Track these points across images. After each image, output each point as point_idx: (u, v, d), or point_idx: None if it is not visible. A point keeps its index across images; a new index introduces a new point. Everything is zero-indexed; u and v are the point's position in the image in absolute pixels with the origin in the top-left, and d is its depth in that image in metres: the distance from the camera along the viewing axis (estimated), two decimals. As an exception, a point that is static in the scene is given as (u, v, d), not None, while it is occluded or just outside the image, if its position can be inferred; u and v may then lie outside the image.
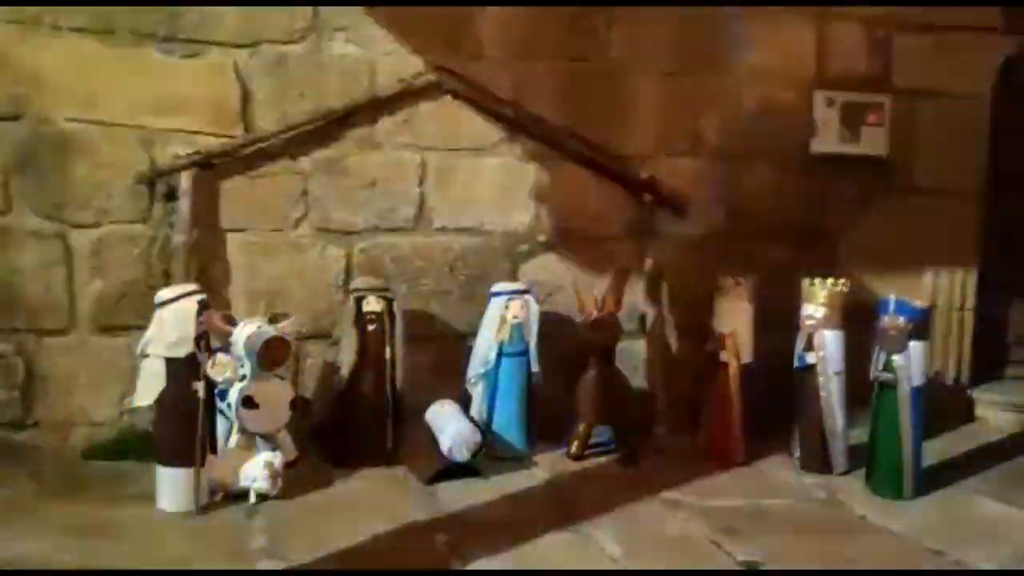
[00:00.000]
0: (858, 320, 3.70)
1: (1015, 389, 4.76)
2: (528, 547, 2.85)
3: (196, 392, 3.01)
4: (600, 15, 4.08)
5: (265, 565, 2.66)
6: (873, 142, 4.48)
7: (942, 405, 4.51)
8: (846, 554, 2.89)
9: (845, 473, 3.69)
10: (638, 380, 4.04)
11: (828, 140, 4.42)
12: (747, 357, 3.87)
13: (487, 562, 2.72)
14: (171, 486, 3.04)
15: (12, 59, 3.47)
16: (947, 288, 4.65)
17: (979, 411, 4.68)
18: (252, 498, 3.12)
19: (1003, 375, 4.96)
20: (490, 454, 3.64)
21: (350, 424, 3.65)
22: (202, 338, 3.04)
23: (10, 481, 3.29)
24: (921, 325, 3.45)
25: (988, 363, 4.92)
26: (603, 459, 3.82)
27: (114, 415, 3.64)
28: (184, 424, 3.01)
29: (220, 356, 3.08)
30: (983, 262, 4.74)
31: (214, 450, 3.18)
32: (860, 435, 3.69)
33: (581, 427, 3.81)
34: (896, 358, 3.40)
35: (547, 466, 3.70)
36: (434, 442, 3.56)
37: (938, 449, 4.07)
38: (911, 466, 3.44)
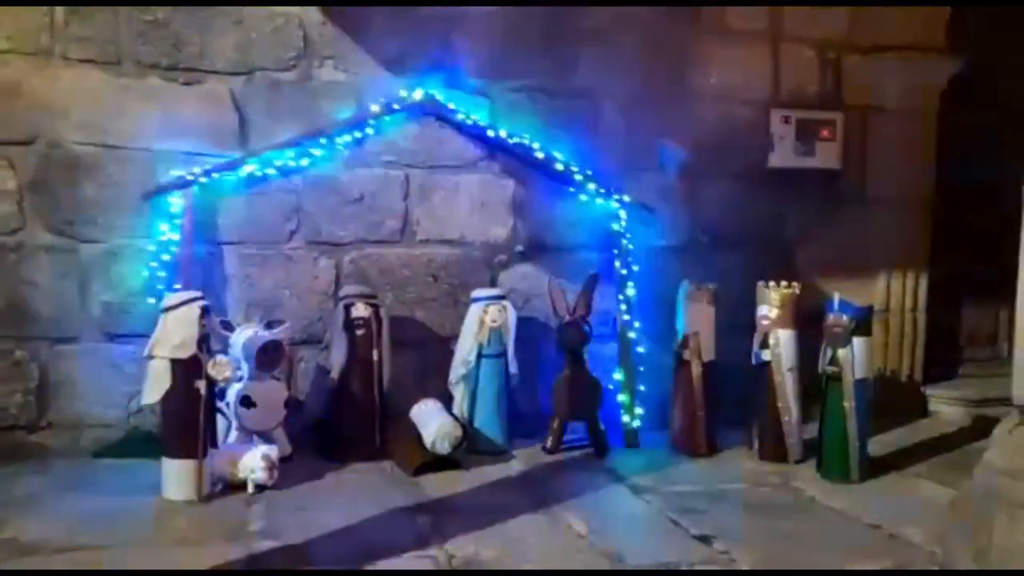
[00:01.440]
0: (814, 323, 3.99)
1: (966, 386, 5.07)
2: (502, 526, 3.13)
3: (199, 390, 3.30)
4: (570, 44, 4.39)
5: (263, 545, 2.93)
6: (827, 156, 4.82)
7: (896, 401, 4.86)
8: (792, 529, 3.18)
9: (800, 462, 3.98)
10: (609, 380, 4.32)
11: (784, 155, 4.75)
12: (709, 356, 4.17)
13: (465, 539, 2.99)
14: (176, 477, 3.31)
15: (27, 88, 3.76)
16: (899, 292, 4.97)
17: (932, 406, 4.99)
18: (250, 488, 3.40)
19: (956, 374, 5.27)
20: (471, 449, 3.92)
21: (341, 422, 3.93)
22: (204, 341, 3.32)
23: (27, 477, 3.56)
24: (863, 323, 3.75)
25: (942, 363, 5.24)
26: (576, 452, 4.11)
27: (121, 417, 3.91)
28: (188, 420, 3.30)
29: (220, 357, 3.37)
30: (935, 268, 5.05)
31: (215, 444, 3.46)
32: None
33: (555, 423, 4.11)
34: (841, 352, 3.71)
35: (523, 459, 3.99)
36: (418, 437, 3.83)
37: (891, 440, 4.39)
38: (857, 452, 3.73)
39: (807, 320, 3.99)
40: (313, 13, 4.05)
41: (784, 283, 4.05)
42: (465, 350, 4.07)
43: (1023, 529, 2.57)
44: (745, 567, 2.82)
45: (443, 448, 3.75)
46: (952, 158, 4.95)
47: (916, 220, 4.91)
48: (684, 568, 2.80)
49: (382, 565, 2.78)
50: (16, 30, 3.72)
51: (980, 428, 4.16)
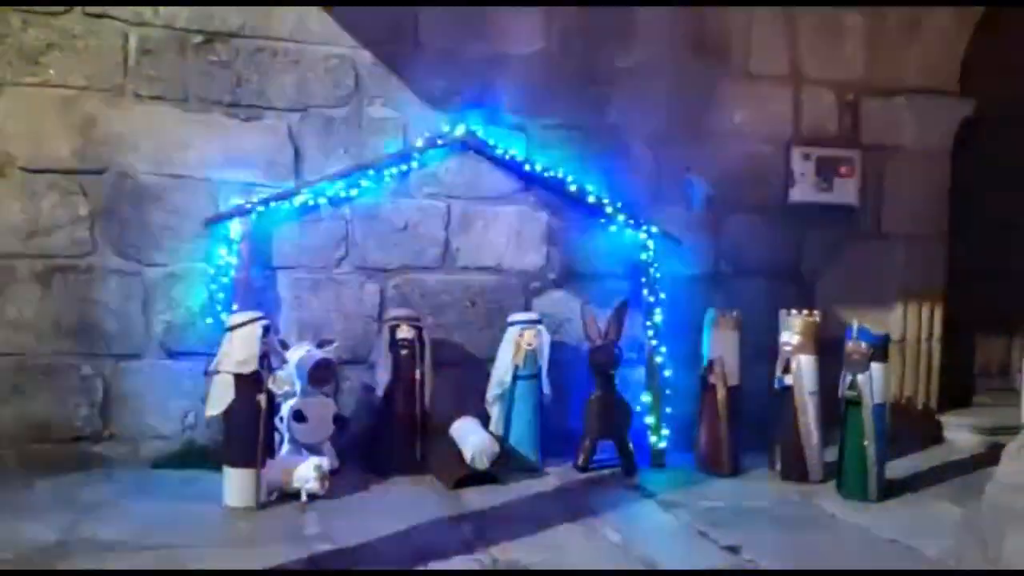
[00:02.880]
0: (833, 349, 4.19)
1: (980, 414, 5.25)
2: (542, 535, 3.34)
3: (260, 403, 3.55)
4: (602, 84, 4.67)
5: (319, 548, 3.15)
6: (845, 192, 5.05)
7: (912, 428, 5.04)
8: (814, 542, 3.38)
9: (821, 482, 4.17)
10: (637, 401, 4.54)
11: (805, 190, 4.99)
12: (734, 380, 4.38)
13: (508, 545, 3.20)
14: (236, 484, 3.55)
15: (100, 122, 4.05)
16: (915, 322, 5.17)
17: (947, 433, 5.17)
18: (304, 497, 3.62)
19: (970, 402, 5.45)
20: (506, 465, 4.14)
21: (384, 437, 4.16)
22: (265, 357, 3.57)
23: (92, 485, 3.79)
24: (880, 349, 3.96)
25: (958, 391, 5.43)
26: (606, 471, 4.32)
27: (177, 430, 4.15)
28: (248, 431, 3.54)
29: (280, 373, 3.62)
30: (951, 301, 5.26)
31: (273, 455, 3.69)
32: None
33: (586, 442, 4.32)
34: (859, 378, 3.92)
35: (556, 476, 4.20)
36: (458, 452, 4.06)
37: (907, 464, 4.57)
38: (875, 472, 3.93)
39: (827, 347, 4.21)
40: (365, 55, 4.34)
41: (806, 311, 4.27)
42: (502, 371, 4.30)
43: (1031, 539, 2.76)
44: (771, 569, 3.02)
45: (481, 463, 3.97)
46: (967, 195, 5.18)
47: (930, 254, 5.13)
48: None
49: (434, 568, 2.99)
50: (93, 69, 4.02)
51: (993, 454, 4.28)
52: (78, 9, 3.98)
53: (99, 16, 4.01)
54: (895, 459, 4.52)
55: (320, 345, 4.00)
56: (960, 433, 5.11)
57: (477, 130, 4.46)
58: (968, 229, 5.24)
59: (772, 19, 4.91)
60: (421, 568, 2.97)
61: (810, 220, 5.01)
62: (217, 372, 3.56)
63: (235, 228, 4.14)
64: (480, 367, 4.45)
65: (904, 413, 5.10)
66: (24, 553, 3.00)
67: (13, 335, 3.96)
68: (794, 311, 4.27)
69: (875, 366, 3.92)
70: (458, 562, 3.05)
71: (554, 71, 4.61)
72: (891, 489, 4.04)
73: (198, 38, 4.13)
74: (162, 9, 4.07)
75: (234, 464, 3.55)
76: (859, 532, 3.53)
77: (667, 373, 4.54)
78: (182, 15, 4.10)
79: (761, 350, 4.40)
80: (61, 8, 3.96)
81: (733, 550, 3.24)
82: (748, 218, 4.92)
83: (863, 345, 3.93)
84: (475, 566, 3.03)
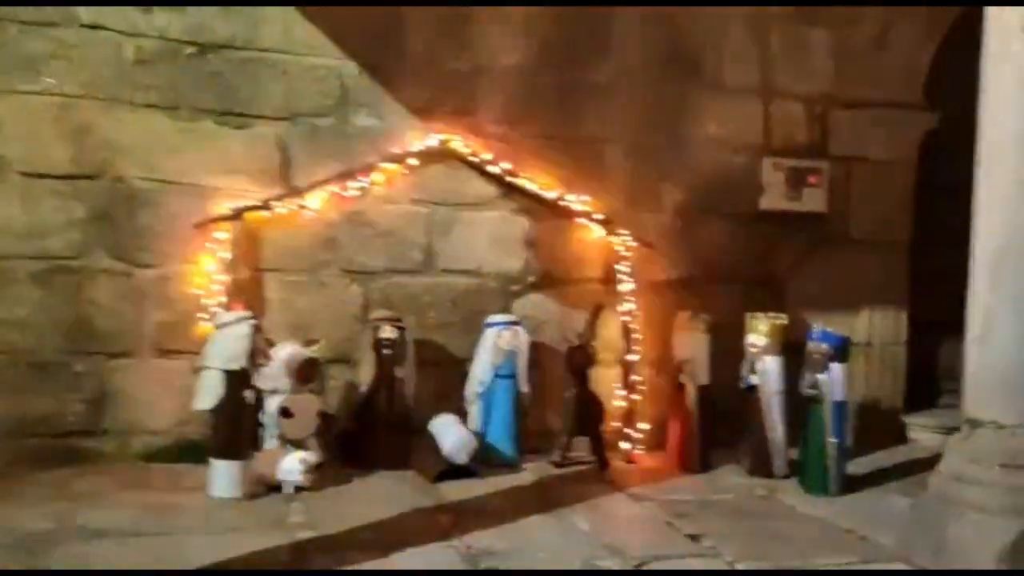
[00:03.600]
0: (801, 351, 4.37)
1: (943, 415, 5.42)
2: (514, 524, 3.51)
3: (247, 398, 3.71)
4: (579, 96, 4.86)
5: (303, 535, 3.31)
6: (814, 200, 5.24)
7: (877, 428, 5.23)
8: (773, 530, 3.56)
9: (786, 477, 4.36)
10: (611, 400, 4.71)
11: (775, 199, 5.19)
12: (703, 380, 4.56)
13: (482, 534, 3.37)
14: (223, 476, 3.71)
15: (95, 129, 4.21)
16: (881, 326, 5.37)
17: (911, 434, 5.36)
18: (289, 488, 3.78)
19: (934, 404, 5.64)
20: (484, 461, 4.29)
21: (367, 433, 4.32)
22: (253, 355, 3.74)
23: (86, 477, 3.94)
24: (840, 350, 4.16)
25: (923, 394, 5.62)
26: (581, 467, 4.48)
27: (169, 425, 4.30)
28: (236, 424, 3.71)
29: (267, 369, 3.79)
30: (916, 306, 5.45)
31: (258, 448, 3.85)
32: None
33: (563, 438, 4.49)
34: (820, 376, 4.11)
35: (533, 471, 4.36)
36: (438, 448, 4.22)
37: (869, 462, 4.76)
38: (835, 467, 4.11)
39: (796, 349, 4.39)
40: (351, 67, 4.52)
41: (772, 314, 4.46)
42: (480, 370, 4.47)
43: (970, 524, 2.95)
44: (728, 558, 3.20)
45: (460, 458, 4.14)
46: (932, 202, 5.38)
47: (895, 260, 5.33)
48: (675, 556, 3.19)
49: (410, 553, 3.15)
50: (89, 77, 4.18)
51: (952, 452, 4.53)
52: (75, 20, 4.14)
53: (95, 27, 4.18)
54: (859, 457, 4.74)
55: (306, 344, 4.16)
56: (923, 433, 5.30)
57: (459, 139, 4.64)
58: (934, 235, 5.43)
59: (743, 34, 5.11)
60: (397, 553, 3.13)
61: (780, 227, 5.20)
62: (206, 368, 3.72)
63: (225, 232, 4.30)
64: (460, 366, 4.61)
65: (870, 414, 5.30)
66: (19, 539, 3.15)
67: (10, 333, 4.10)
68: (760, 314, 4.45)
69: (835, 366, 4.12)
70: (433, 548, 3.21)
71: (533, 83, 4.78)
72: (852, 484, 4.23)
73: (190, 49, 4.29)
74: (156, 20, 4.24)
75: (221, 456, 3.71)
76: (817, 522, 3.72)
77: (641, 373, 4.73)
78: (175, 26, 4.27)
79: (732, 352, 4.57)
80: (60, 19, 4.12)
81: (695, 538, 3.42)
82: (720, 225, 5.10)
83: (824, 346, 4.12)
84: (450, 552, 3.19)
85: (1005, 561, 2.83)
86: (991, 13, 3.00)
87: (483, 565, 3.08)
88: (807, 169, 5.23)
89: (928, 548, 3.09)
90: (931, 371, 5.72)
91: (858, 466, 4.56)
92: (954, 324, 5.61)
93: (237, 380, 3.71)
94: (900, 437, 5.35)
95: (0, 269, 4.10)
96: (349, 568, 2.99)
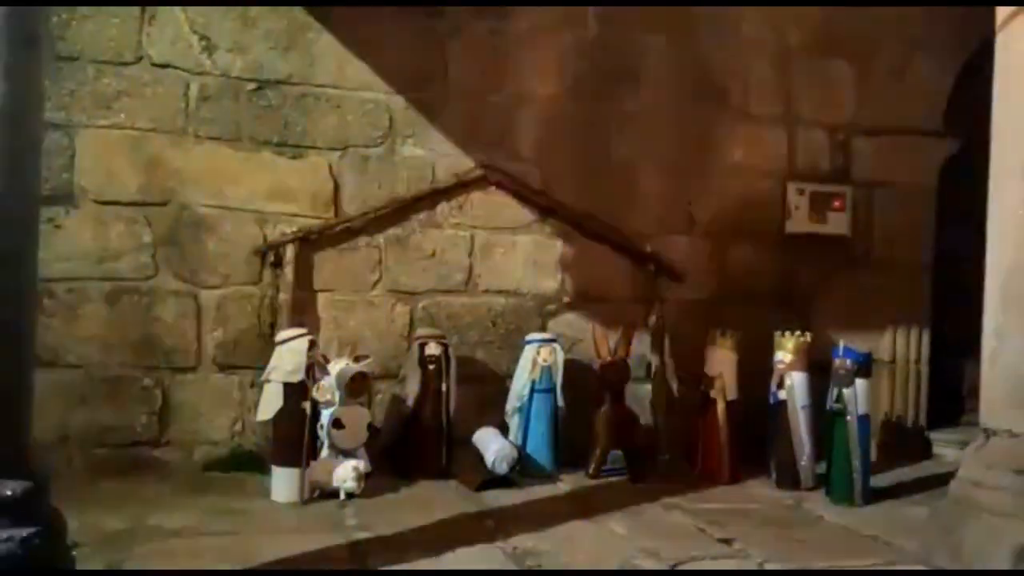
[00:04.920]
0: (826, 368, 4.57)
1: (966, 432, 5.57)
2: (555, 528, 3.73)
3: (305, 410, 3.99)
4: (611, 124, 5.13)
5: (359, 535, 3.56)
6: (837, 224, 5.46)
7: (902, 445, 5.41)
8: (800, 536, 3.76)
9: (812, 489, 4.54)
10: (645, 416, 4.94)
11: (800, 222, 5.42)
12: (732, 395, 4.78)
13: (525, 536, 3.59)
14: (283, 482, 3.97)
15: (163, 160, 4.54)
16: (904, 345, 5.55)
17: (935, 449, 5.52)
18: (342, 495, 4.04)
19: (959, 421, 5.80)
20: (523, 472, 4.53)
21: (413, 445, 4.57)
22: (310, 369, 4.02)
23: (152, 484, 4.23)
24: (864, 366, 4.35)
25: (947, 411, 5.79)
26: (615, 478, 4.70)
27: (228, 436, 4.59)
28: (295, 434, 3.98)
29: (323, 382, 4.06)
30: (940, 326, 5.64)
31: (315, 457, 4.12)
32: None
33: (597, 451, 4.71)
34: (845, 392, 4.31)
35: (569, 482, 4.59)
36: (480, 459, 4.47)
37: (894, 476, 4.92)
38: (860, 479, 4.29)
39: (822, 367, 4.59)
40: (398, 99, 4.83)
41: (798, 332, 4.67)
42: (520, 386, 4.71)
43: (986, 527, 3.14)
44: (759, 560, 3.40)
45: (501, 468, 4.38)
46: (954, 227, 5.56)
47: (917, 281, 5.52)
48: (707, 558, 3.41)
49: (461, 553, 3.38)
50: (157, 113, 4.51)
51: (974, 465, 4.69)
52: (146, 60, 4.49)
53: (164, 66, 4.52)
54: (885, 472, 4.91)
55: (356, 360, 4.43)
56: (948, 448, 5.45)
57: (497, 166, 4.92)
58: (958, 257, 5.60)
59: (767, 65, 5.37)
60: (448, 552, 3.37)
61: (805, 249, 5.42)
62: (268, 381, 4.00)
63: (281, 255, 4.61)
64: (500, 382, 4.87)
65: (895, 430, 5.48)
66: (101, 538, 3.42)
67: (83, 349, 4.41)
68: (787, 332, 4.67)
69: (859, 381, 4.31)
70: (481, 549, 3.44)
71: (568, 112, 5.07)
72: (876, 496, 4.41)
73: (251, 86, 4.62)
74: (220, 60, 4.57)
75: (282, 464, 3.98)
76: (843, 530, 3.91)
77: (673, 389, 4.96)
78: (237, 65, 4.60)
79: (760, 368, 4.78)
80: (132, 59, 4.47)
81: (726, 542, 3.63)
82: (747, 247, 5.34)
83: (848, 362, 4.32)
84: (496, 552, 3.42)
85: (1020, 561, 3.01)
86: (999, 44, 3.23)
87: (528, 564, 3.30)
88: (831, 194, 5.45)
89: (946, 550, 3.27)
90: (955, 389, 5.88)
91: (884, 479, 4.73)
92: (978, 343, 5.85)
93: (296, 393, 3.99)
94: (926, 453, 5.51)
95: (75, 289, 4.42)
96: (403, 568, 3.23)
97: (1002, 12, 3.23)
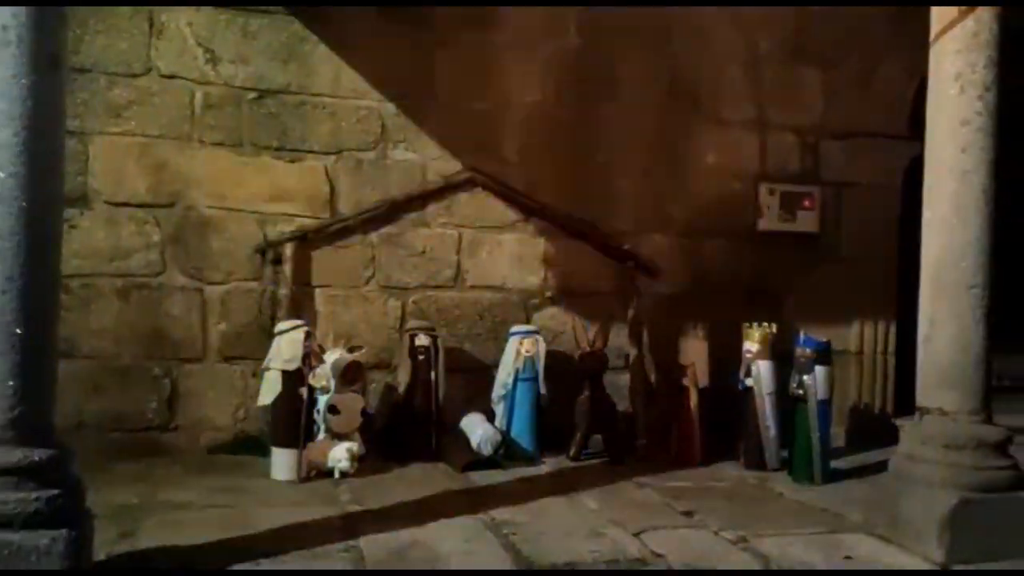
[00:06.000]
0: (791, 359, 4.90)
1: (931, 418, 5.89)
2: (532, 503, 4.05)
3: (301, 395, 4.32)
4: (591, 128, 5.45)
5: (352, 508, 3.89)
6: (806, 222, 5.77)
7: (870, 431, 5.71)
8: (757, 510, 4.08)
9: (777, 470, 4.85)
10: (623, 403, 5.26)
11: (771, 220, 5.72)
12: (704, 383, 5.09)
13: (503, 510, 3.92)
14: (282, 461, 4.30)
15: (171, 165, 4.87)
16: (871, 336, 5.86)
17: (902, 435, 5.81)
18: (336, 474, 4.36)
19: (925, 408, 6.09)
20: (508, 456, 4.85)
21: (404, 430, 4.89)
22: (307, 357, 4.35)
23: (161, 467, 4.55)
24: (823, 354, 4.66)
25: (913, 400, 6.06)
26: (594, 461, 5.02)
27: (232, 422, 4.92)
28: (292, 417, 4.31)
29: (319, 370, 4.39)
30: (906, 317, 5.90)
31: (312, 439, 4.45)
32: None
33: (577, 436, 5.03)
34: (805, 378, 4.62)
35: (551, 464, 4.91)
36: (467, 442, 4.79)
37: (859, 459, 5.23)
38: (819, 459, 4.61)
39: (785, 356, 4.90)
40: (389, 106, 5.15)
41: (764, 324, 4.98)
42: (504, 375, 5.03)
43: (919, 496, 3.46)
44: (714, 528, 3.72)
45: (486, 450, 4.71)
46: (919, 225, 5.85)
47: (883, 276, 5.81)
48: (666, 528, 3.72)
49: (443, 521, 3.71)
50: (165, 120, 4.84)
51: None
52: (155, 71, 4.83)
53: (171, 77, 4.85)
54: (852, 455, 5.23)
55: (350, 350, 4.75)
56: (912, 434, 5.75)
57: (483, 169, 5.24)
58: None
59: (739, 72, 5.67)
60: (432, 522, 3.69)
61: (776, 246, 5.72)
62: (268, 369, 4.33)
63: (280, 253, 4.94)
64: (486, 371, 5.19)
65: (864, 417, 5.78)
66: (115, 510, 3.73)
67: (97, 341, 4.74)
68: (754, 324, 4.98)
69: (819, 368, 4.62)
70: (462, 519, 3.77)
71: (550, 118, 5.39)
72: (836, 476, 4.72)
73: (252, 94, 4.95)
74: (223, 71, 4.90)
75: (280, 445, 4.31)
76: (797, 504, 4.23)
77: (649, 377, 5.28)
78: (239, 75, 4.92)
79: (730, 357, 5.09)
80: (141, 71, 4.80)
81: (688, 514, 3.95)
82: (721, 244, 5.65)
83: (808, 350, 4.63)
84: (476, 522, 3.74)
85: (946, 527, 3.32)
86: (931, 63, 3.55)
87: (503, 532, 3.62)
88: (800, 193, 5.75)
89: (885, 519, 3.59)
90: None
91: (847, 462, 5.05)
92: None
93: (294, 379, 4.32)
94: (892, 439, 5.75)
95: (89, 285, 4.75)
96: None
97: (933, 27, 3.54)
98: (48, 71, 2.74)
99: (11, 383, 2.64)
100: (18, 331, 2.65)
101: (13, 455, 2.63)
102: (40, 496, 2.65)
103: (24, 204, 2.64)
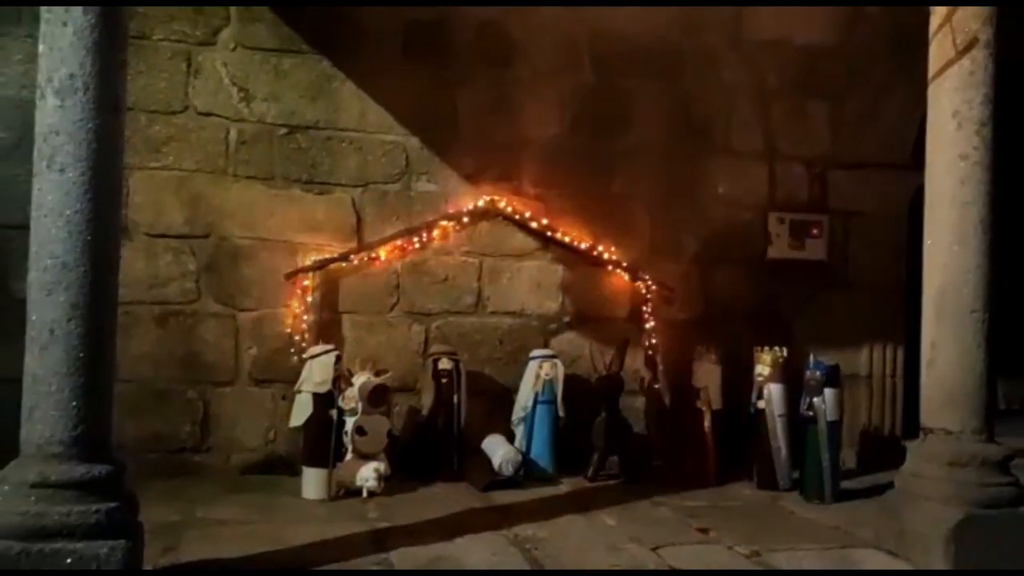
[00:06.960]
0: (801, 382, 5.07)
1: (939, 440, 6.03)
2: (553, 520, 4.23)
3: (332, 417, 4.51)
4: (607, 160, 5.67)
5: (380, 525, 4.07)
6: (815, 250, 5.94)
7: (880, 453, 5.84)
8: (770, 526, 4.23)
9: (789, 490, 5.01)
10: (639, 425, 5.43)
11: (780, 248, 5.91)
12: (717, 405, 5.26)
13: (526, 526, 4.09)
14: (313, 481, 4.49)
15: (205, 197, 5.11)
16: (880, 360, 6.01)
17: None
18: (364, 493, 4.54)
19: (933, 431, 6.23)
20: (527, 475, 5.01)
21: (428, 450, 5.07)
22: (337, 380, 4.55)
23: (196, 486, 4.73)
24: (832, 377, 4.83)
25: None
26: (611, 481, 5.19)
27: (262, 443, 5.12)
28: (323, 438, 4.50)
29: (348, 392, 4.59)
30: (913, 341, 6.06)
31: (341, 459, 4.64)
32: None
33: (595, 457, 5.20)
34: (815, 400, 4.79)
35: (569, 484, 5.08)
36: (488, 463, 4.97)
37: (868, 480, 5.36)
38: (830, 478, 4.76)
39: (797, 379, 5.07)
40: (414, 141, 5.39)
41: (775, 348, 5.16)
42: (524, 397, 5.21)
43: (924, 512, 3.61)
44: (729, 543, 3.88)
45: (507, 470, 4.88)
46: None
47: (890, 302, 5.98)
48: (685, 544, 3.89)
49: (468, 537, 3.89)
50: (201, 156, 5.09)
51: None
52: (191, 109, 5.09)
53: (207, 114, 5.11)
54: (862, 476, 5.38)
55: (377, 374, 4.95)
56: (922, 456, 5.89)
57: (504, 199, 5.47)
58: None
59: (749, 105, 5.90)
60: (459, 537, 3.86)
61: (786, 273, 5.90)
62: (300, 391, 4.54)
63: (309, 280, 5.16)
64: (507, 394, 5.37)
65: (873, 439, 5.92)
66: (157, 527, 3.91)
67: (135, 365, 4.94)
68: (765, 348, 5.16)
69: (828, 390, 4.79)
70: (487, 535, 3.94)
71: (567, 150, 5.61)
72: (846, 495, 4.87)
73: (283, 130, 5.20)
74: (256, 108, 5.16)
75: (311, 464, 4.50)
76: (808, 522, 4.38)
77: (663, 400, 5.45)
78: (271, 112, 5.18)
79: (742, 381, 5.26)
80: (179, 108, 5.06)
81: (703, 531, 4.11)
82: (732, 271, 5.84)
83: (817, 373, 4.81)
84: (501, 539, 3.91)
85: (951, 541, 3.48)
86: (930, 100, 3.75)
87: (527, 548, 3.80)
88: (809, 222, 5.94)
89: (892, 534, 3.74)
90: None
91: (857, 483, 5.19)
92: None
93: (324, 401, 4.52)
94: (903, 460, 5.90)
95: (129, 313, 4.95)
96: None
97: (932, 66, 3.75)
98: (110, 115, 2.98)
99: (75, 403, 2.86)
100: (81, 355, 2.86)
101: (76, 470, 2.84)
102: (100, 508, 2.85)
103: (89, 238, 2.87)
